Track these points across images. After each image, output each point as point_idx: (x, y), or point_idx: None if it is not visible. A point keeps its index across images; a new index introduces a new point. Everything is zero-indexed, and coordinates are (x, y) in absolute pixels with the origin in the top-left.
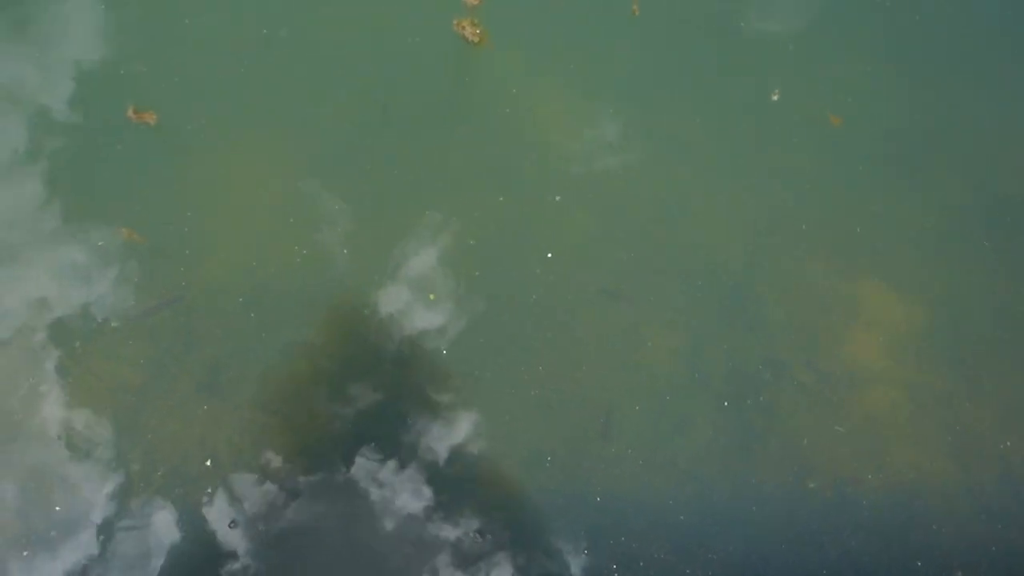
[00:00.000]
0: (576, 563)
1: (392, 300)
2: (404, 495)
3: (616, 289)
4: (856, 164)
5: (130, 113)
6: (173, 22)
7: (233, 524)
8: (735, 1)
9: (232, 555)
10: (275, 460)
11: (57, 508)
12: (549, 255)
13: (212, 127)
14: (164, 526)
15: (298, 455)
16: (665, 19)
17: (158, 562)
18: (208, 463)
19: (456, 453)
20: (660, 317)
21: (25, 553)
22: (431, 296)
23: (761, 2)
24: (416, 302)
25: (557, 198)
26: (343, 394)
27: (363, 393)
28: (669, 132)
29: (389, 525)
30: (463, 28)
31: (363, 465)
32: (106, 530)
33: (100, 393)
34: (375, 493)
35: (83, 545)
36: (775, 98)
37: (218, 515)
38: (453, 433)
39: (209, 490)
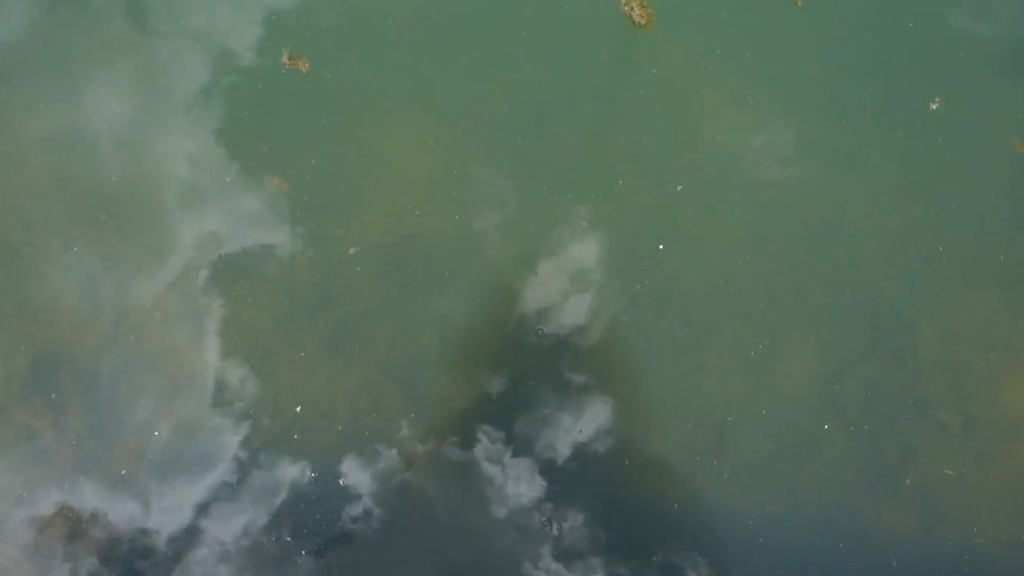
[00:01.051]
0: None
1: (510, 281)
2: (499, 478)
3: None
4: None
5: (285, 59)
6: None
7: (314, 474)
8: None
9: (325, 506)
10: (390, 423)
11: (157, 433)
12: (661, 247)
13: (360, 83)
14: (277, 470)
15: (413, 422)
16: (840, 13)
17: (270, 501)
18: (298, 409)
19: (551, 447)
20: (800, 335)
21: (149, 456)
22: (534, 274)
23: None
24: (523, 284)
25: (679, 188)
26: (464, 370)
27: (480, 373)
28: (830, 139)
29: (493, 506)
30: (631, 9)
31: (472, 443)
32: (225, 467)
33: (234, 335)
34: (480, 472)
35: (208, 477)
36: (935, 107)
37: (321, 467)
38: (554, 426)
39: (317, 442)
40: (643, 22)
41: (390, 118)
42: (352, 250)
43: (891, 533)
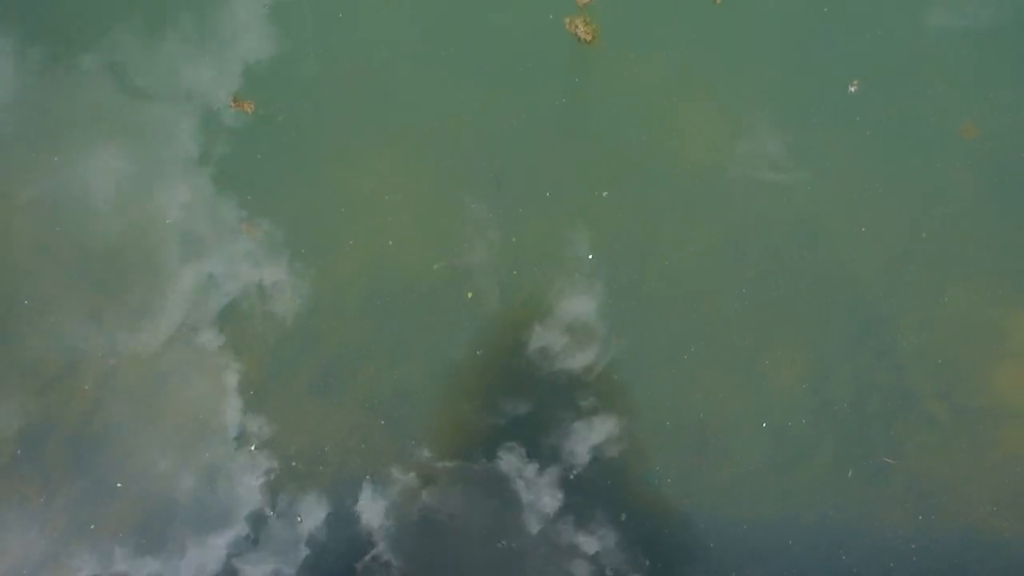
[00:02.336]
0: None
1: (489, 309)
2: (491, 511)
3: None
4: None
5: (231, 102)
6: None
7: (324, 512)
8: None
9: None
10: (381, 463)
11: (154, 488)
12: (590, 256)
13: (308, 122)
14: (265, 516)
15: (404, 460)
16: (784, 16)
17: (276, 546)
18: (252, 447)
19: (544, 473)
20: (784, 340)
21: (119, 485)
22: (469, 295)
23: None
24: (501, 311)
25: (604, 194)
26: (451, 405)
27: (468, 406)
28: (798, 142)
29: (473, 541)
30: (576, 27)
31: (467, 474)
32: (229, 518)
33: (223, 382)
34: (467, 504)
35: (209, 527)
36: (853, 90)
37: (310, 511)
38: (531, 432)
39: (313, 486)
40: (588, 38)
41: (360, 157)
42: (436, 266)
43: (886, 529)
